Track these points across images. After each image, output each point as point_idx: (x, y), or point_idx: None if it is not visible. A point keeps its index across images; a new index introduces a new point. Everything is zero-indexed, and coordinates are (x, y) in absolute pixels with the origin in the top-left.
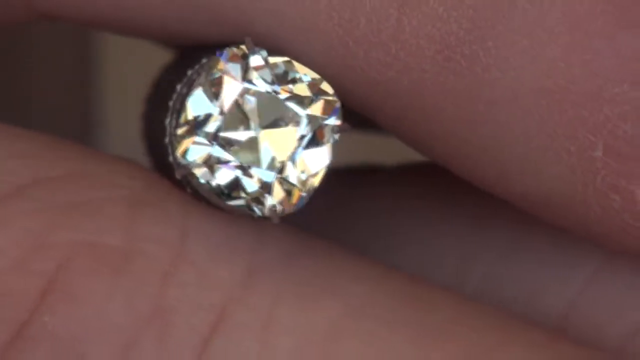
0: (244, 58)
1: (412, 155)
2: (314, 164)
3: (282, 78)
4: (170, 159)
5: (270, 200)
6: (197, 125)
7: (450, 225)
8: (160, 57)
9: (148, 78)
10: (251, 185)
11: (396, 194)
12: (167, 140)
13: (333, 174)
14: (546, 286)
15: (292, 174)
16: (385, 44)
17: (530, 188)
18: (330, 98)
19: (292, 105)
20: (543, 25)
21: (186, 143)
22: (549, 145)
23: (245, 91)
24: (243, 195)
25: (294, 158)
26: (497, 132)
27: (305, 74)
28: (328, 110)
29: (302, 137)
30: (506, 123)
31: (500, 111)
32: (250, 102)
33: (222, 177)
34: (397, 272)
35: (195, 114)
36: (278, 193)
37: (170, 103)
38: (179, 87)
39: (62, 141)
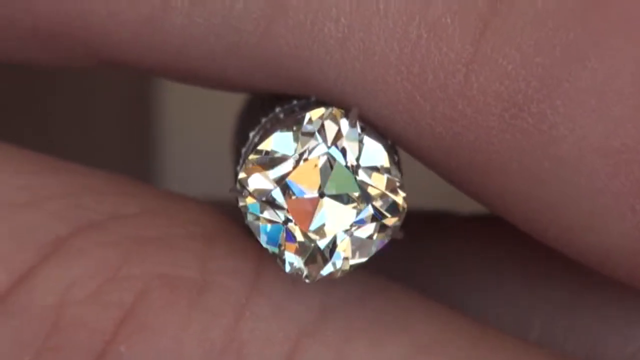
0: (343, 124)
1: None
2: (356, 252)
3: (369, 162)
4: (238, 168)
5: (299, 263)
6: (270, 161)
7: (512, 276)
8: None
9: (207, 120)
10: (291, 240)
11: (464, 242)
12: (243, 151)
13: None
14: (607, 340)
15: (332, 250)
16: (452, 100)
17: (593, 244)
18: (400, 202)
19: (363, 191)
20: (612, 86)
21: (254, 170)
22: (614, 203)
23: (329, 155)
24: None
25: (340, 237)
26: (562, 190)
27: (390, 170)
28: (393, 211)
29: (359, 226)
30: (571, 181)
31: (566, 169)
32: (327, 168)
33: (269, 217)
34: (463, 314)
35: (275, 149)
36: (311, 260)
37: (263, 120)
38: (278, 109)
39: (134, 180)
